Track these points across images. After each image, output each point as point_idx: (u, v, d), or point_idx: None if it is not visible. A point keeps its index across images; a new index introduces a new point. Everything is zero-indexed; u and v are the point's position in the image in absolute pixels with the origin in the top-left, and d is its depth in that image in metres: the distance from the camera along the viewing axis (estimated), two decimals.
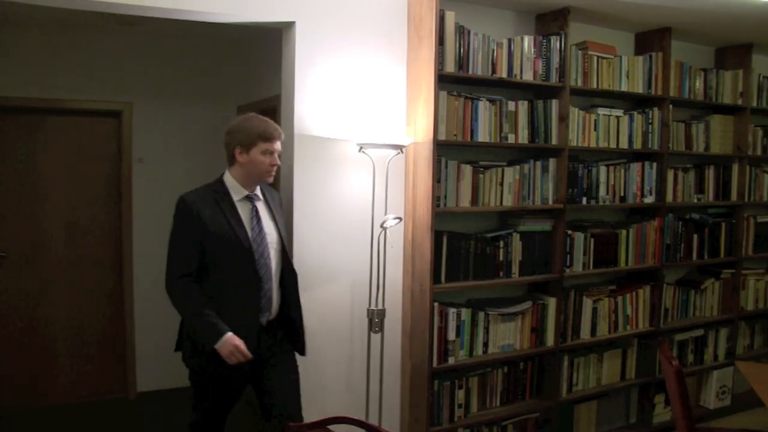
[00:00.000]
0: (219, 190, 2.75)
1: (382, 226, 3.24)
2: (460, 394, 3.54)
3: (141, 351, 4.78)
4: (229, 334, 2.60)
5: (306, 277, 3.27)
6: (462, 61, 3.38)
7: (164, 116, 4.78)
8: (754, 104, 4.67)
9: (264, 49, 4.48)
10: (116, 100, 4.62)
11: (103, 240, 4.73)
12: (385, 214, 3.29)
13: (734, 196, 4.63)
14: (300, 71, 3.24)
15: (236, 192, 2.77)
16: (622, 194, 4.03)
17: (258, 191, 2.85)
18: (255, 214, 2.78)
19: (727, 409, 4.70)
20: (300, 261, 3.25)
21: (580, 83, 3.80)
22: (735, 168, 4.62)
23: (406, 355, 3.58)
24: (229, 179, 2.79)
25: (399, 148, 3.25)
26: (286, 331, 2.92)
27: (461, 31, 3.37)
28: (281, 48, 3.44)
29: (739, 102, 4.58)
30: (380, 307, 3.34)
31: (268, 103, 4.32)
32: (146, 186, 4.73)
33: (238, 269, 2.68)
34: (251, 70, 4.83)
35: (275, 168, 2.80)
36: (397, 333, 3.58)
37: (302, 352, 2.97)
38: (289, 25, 3.28)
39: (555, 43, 3.66)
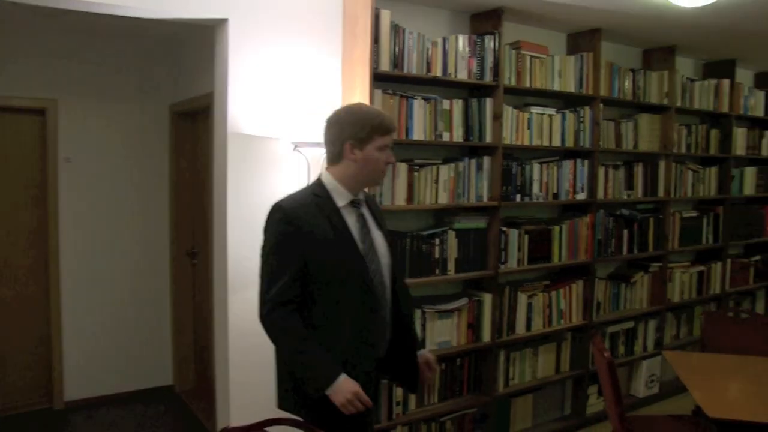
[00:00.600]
0: (320, 194, 2.28)
1: None
2: (398, 392, 3.58)
3: (69, 358, 4.66)
4: (344, 377, 2.13)
5: (239, 277, 3.26)
6: (397, 60, 3.43)
7: (93, 114, 4.66)
8: (678, 104, 4.89)
9: (196, 47, 4.43)
10: (40, 97, 4.48)
11: (27, 244, 4.58)
12: None
13: (661, 193, 4.84)
14: (233, 69, 3.23)
15: (340, 197, 2.29)
16: (554, 191, 4.16)
17: (361, 195, 2.39)
18: (363, 224, 2.32)
19: (656, 397, 4.92)
20: (234, 261, 3.24)
21: (513, 82, 3.90)
22: (662, 165, 4.83)
23: None
24: (330, 181, 2.31)
25: None
26: (397, 363, 2.45)
27: (396, 30, 3.41)
28: (213, 45, 3.42)
29: (665, 102, 4.79)
30: None
31: (200, 102, 4.27)
32: (74, 187, 4.60)
33: (350, 291, 2.22)
34: (183, 67, 4.77)
35: (389, 167, 2.40)
36: None
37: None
38: (221, 22, 3.26)
39: (489, 42, 3.74)
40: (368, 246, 2.29)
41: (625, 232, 4.62)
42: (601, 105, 4.34)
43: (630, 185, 4.66)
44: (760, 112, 5.72)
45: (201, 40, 4.17)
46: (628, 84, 4.57)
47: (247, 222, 3.28)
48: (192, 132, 4.90)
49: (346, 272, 2.21)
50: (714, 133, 5.29)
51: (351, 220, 2.29)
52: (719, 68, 5.40)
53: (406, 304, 2.45)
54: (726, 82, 5.29)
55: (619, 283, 4.68)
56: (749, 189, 5.72)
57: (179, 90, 4.78)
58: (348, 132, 2.24)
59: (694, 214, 5.18)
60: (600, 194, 4.41)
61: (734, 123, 5.38)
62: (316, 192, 2.28)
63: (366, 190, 2.51)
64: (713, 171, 5.30)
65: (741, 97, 5.49)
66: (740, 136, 5.54)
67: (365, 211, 2.37)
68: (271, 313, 2.16)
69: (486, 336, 3.88)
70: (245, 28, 3.24)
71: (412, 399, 3.66)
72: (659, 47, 4.88)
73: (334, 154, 2.30)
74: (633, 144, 4.66)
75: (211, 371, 4.28)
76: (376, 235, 2.37)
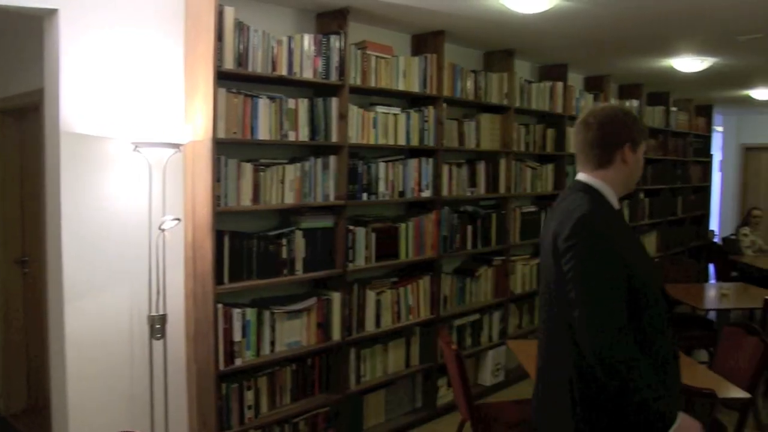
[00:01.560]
0: (604, 204, 2.05)
1: (160, 228, 3.21)
2: (249, 395, 3.60)
3: None
4: (683, 414, 1.90)
5: (75, 286, 3.14)
6: (241, 58, 3.44)
7: None
8: (517, 104, 5.25)
9: (23, 38, 4.17)
10: None
11: None
12: (164, 215, 3.26)
13: (502, 189, 5.18)
14: (65, 64, 3.10)
15: (614, 205, 2.10)
16: (400, 189, 4.33)
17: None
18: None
19: (502, 384, 5.27)
20: (70, 269, 3.12)
21: (359, 82, 4.02)
22: (502, 163, 5.16)
23: (191, 360, 3.57)
24: (604, 187, 2.08)
25: (176, 146, 3.23)
26: None
27: (241, 28, 3.42)
28: (42, 38, 3.26)
29: (505, 102, 5.12)
30: (161, 312, 3.30)
31: (28, 98, 4.04)
32: None
33: (657, 319, 1.97)
34: (7, 61, 4.47)
35: None
36: (180, 338, 3.56)
37: None
38: (50, 13, 3.12)
39: (335, 42, 3.83)
40: (650, 263, 2.12)
41: (469, 227, 4.90)
42: (445, 105, 4.57)
43: (473, 182, 4.94)
44: None
45: (28, 32, 3.95)
46: (470, 85, 4.83)
47: (83, 227, 3.17)
48: (19, 131, 4.61)
49: (653, 297, 1.99)
50: (550, 132, 5.72)
51: None
52: (553, 71, 5.86)
53: None
54: (560, 84, 5.74)
55: (464, 278, 4.96)
56: None
57: (3, 86, 4.49)
58: (627, 134, 2.06)
59: (533, 209, 5.59)
60: (444, 192, 4.64)
61: (567, 123, 5.85)
62: (599, 200, 2.04)
63: None
64: (550, 168, 5.74)
65: (573, 98, 5.99)
66: (573, 135, 6.01)
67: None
68: (623, 350, 1.84)
69: (336, 334, 3.98)
70: (78, 19, 3.11)
71: (264, 402, 3.69)
72: (499, 50, 5.21)
73: (603, 157, 2.08)
74: (475, 143, 4.94)
75: (45, 389, 4.07)
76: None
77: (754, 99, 8.36)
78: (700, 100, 9.00)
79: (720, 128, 11.70)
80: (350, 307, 4.06)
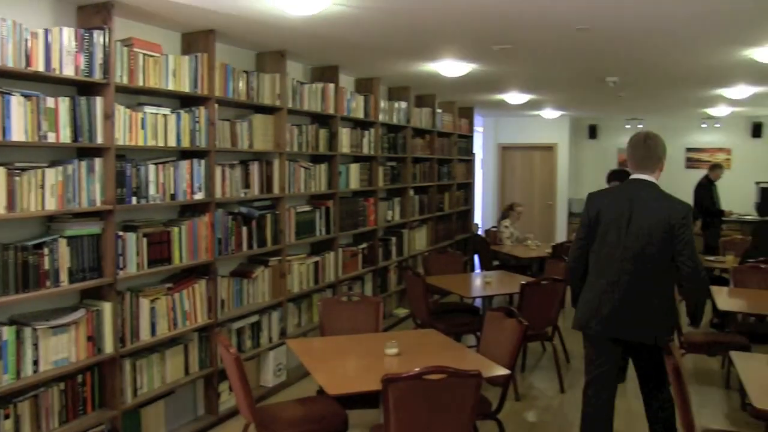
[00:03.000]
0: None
1: None
2: (7, 425, 3.36)
3: None
4: None
5: None
6: None
7: None
8: (290, 105, 5.42)
9: None
10: None
11: None
12: None
13: (277, 190, 5.32)
14: None
15: None
16: (172, 192, 4.30)
17: None
18: None
19: (284, 384, 5.44)
20: None
21: (126, 81, 3.93)
22: (276, 163, 5.31)
23: None
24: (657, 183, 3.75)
25: None
26: None
27: None
28: None
29: (277, 103, 5.27)
30: None
31: None
32: None
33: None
34: None
35: None
36: None
37: None
38: None
39: (98, 37, 3.71)
40: None
41: (244, 229, 4.98)
42: (216, 105, 4.60)
43: (247, 183, 5.03)
44: (360, 114, 6.62)
45: None
46: (242, 85, 4.91)
47: None
48: None
49: None
50: (322, 133, 5.97)
51: None
52: (325, 73, 6.13)
53: None
54: (331, 86, 6.02)
55: (241, 280, 5.03)
56: (354, 183, 6.59)
57: None
58: (665, 151, 3.77)
59: (307, 208, 5.80)
60: (218, 193, 4.68)
61: (339, 123, 6.14)
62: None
63: None
64: (323, 168, 6.00)
65: (344, 100, 6.30)
66: (345, 136, 6.35)
67: None
68: (703, 273, 3.59)
69: (108, 347, 3.86)
70: None
71: (27, 429, 3.46)
72: (272, 51, 5.34)
73: (658, 164, 3.71)
74: (248, 143, 5.03)
75: None
76: None
77: (508, 103, 9.32)
78: (463, 102, 9.86)
79: (480, 129, 12.86)
80: (123, 316, 3.96)
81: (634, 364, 3.89)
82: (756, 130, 12.16)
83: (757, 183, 11.12)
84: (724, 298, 5.51)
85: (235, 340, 4.93)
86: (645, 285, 3.60)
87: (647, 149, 3.68)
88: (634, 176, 3.74)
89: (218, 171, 4.68)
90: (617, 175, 5.78)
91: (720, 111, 10.78)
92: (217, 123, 4.65)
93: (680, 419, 3.24)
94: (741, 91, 7.91)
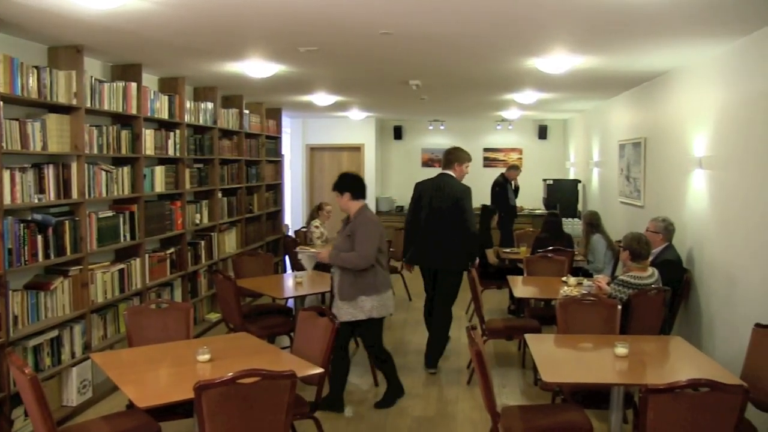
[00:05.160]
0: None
1: None
2: None
3: None
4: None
5: None
6: None
7: None
8: (88, 104, 5.10)
9: None
10: None
11: None
12: None
13: (75, 194, 4.99)
14: None
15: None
16: None
17: None
18: None
19: (91, 401, 5.12)
20: None
21: None
22: (74, 166, 4.97)
23: None
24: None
25: None
26: None
27: None
28: None
29: (74, 102, 4.94)
30: None
31: None
32: None
33: None
34: None
35: None
36: None
37: None
38: None
39: None
40: None
41: (40, 237, 4.61)
42: (2, 103, 4.22)
43: (41, 188, 4.66)
44: (165, 115, 6.38)
45: None
46: (33, 82, 4.54)
47: None
48: None
49: None
50: (125, 134, 5.68)
51: None
52: (127, 71, 5.84)
53: None
54: (133, 85, 5.75)
55: (37, 293, 4.65)
56: (160, 186, 6.34)
57: None
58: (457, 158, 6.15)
59: (110, 213, 5.50)
60: (7, 200, 4.29)
61: (143, 124, 5.87)
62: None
63: None
64: (126, 170, 5.70)
65: (148, 100, 6.04)
66: (149, 137, 6.09)
67: None
68: (472, 230, 5.86)
69: None
70: None
71: None
72: (66, 45, 4.99)
73: (452, 165, 6.06)
74: (42, 145, 4.66)
75: None
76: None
77: (315, 104, 9.42)
78: (271, 103, 9.83)
79: (288, 130, 12.89)
80: None
81: (435, 286, 6.04)
82: (542, 132, 13.36)
83: (544, 180, 12.14)
84: (519, 287, 6.00)
85: (31, 358, 4.55)
86: (445, 235, 5.86)
87: (446, 155, 6.13)
88: (441, 171, 6.12)
89: (6, 175, 4.28)
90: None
91: (512, 114, 11.62)
92: (4, 122, 4.25)
93: (483, 400, 3.51)
94: (528, 96, 8.62)
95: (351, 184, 4.88)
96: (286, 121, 12.25)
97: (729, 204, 4.99)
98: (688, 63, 5.89)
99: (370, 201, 13.31)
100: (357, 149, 13.38)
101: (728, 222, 4.99)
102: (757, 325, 3.85)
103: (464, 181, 6.06)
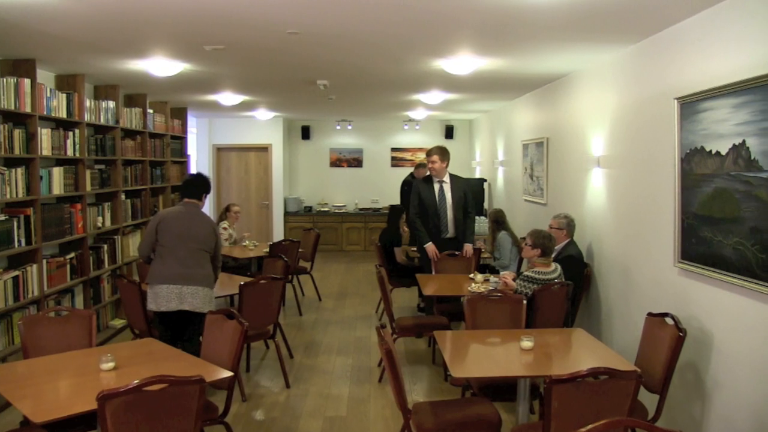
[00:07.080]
0: None
1: None
2: None
3: None
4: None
5: None
6: None
7: None
8: None
9: None
10: None
11: None
12: None
13: None
14: None
15: None
16: None
17: None
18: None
19: None
20: None
21: None
22: None
23: None
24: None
25: None
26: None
27: None
28: None
29: None
30: None
31: None
32: None
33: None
34: None
35: None
36: None
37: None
38: None
39: None
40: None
41: None
42: None
43: None
44: (62, 114, 6.10)
45: None
46: None
47: None
48: None
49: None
50: (18, 133, 5.39)
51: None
52: (20, 67, 5.53)
53: None
54: (27, 81, 5.46)
55: None
56: (58, 189, 6.05)
57: None
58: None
59: (2, 218, 5.20)
60: None
61: (38, 123, 5.59)
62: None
63: None
64: (20, 172, 5.40)
65: (44, 97, 5.76)
66: (45, 137, 5.80)
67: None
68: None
69: None
70: None
71: None
72: None
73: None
74: None
75: None
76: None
77: (221, 104, 9.24)
78: (176, 103, 9.57)
79: (194, 130, 12.59)
80: None
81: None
82: (449, 132, 13.58)
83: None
84: (428, 285, 6.05)
85: None
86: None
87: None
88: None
89: None
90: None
91: (419, 114, 11.76)
92: None
93: (395, 397, 3.53)
94: (435, 96, 8.74)
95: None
96: (192, 121, 11.97)
97: (623, 200, 5.23)
98: (586, 67, 6.12)
99: (278, 202, 13.21)
100: (265, 149, 13.22)
101: (622, 217, 5.23)
102: (649, 314, 4.05)
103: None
